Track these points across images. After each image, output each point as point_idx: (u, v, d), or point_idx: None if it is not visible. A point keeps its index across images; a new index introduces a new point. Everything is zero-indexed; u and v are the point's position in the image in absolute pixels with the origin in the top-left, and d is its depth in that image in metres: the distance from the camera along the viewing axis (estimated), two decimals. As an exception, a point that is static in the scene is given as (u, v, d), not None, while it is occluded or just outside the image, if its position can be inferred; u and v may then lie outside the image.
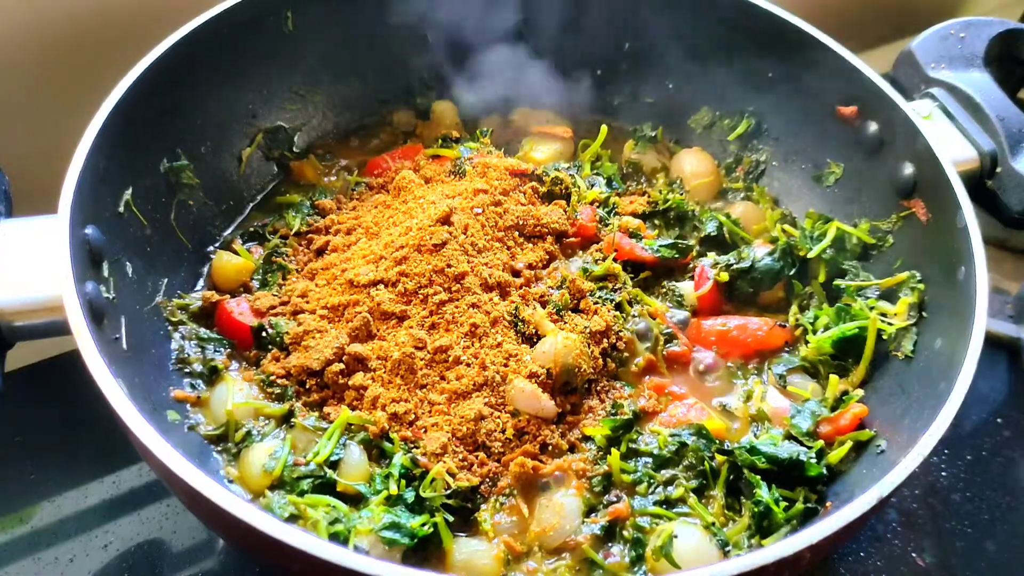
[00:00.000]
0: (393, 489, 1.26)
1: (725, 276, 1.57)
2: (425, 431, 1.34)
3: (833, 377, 1.46)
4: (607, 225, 1.64)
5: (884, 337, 1.45)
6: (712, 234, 1.66)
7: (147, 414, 1.10)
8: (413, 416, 1.35)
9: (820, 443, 1.38)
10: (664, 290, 1.60)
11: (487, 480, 1.32)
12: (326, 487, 1.28)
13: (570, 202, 1.65)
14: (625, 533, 1.29)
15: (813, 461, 1.34)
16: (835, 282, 1.57)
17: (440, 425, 1.34)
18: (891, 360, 1.45)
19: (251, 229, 1.64)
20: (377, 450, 1.33)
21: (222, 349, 1.46)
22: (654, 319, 1.52)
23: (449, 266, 1.44)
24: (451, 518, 1.26)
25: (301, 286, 1.51)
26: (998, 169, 1.54)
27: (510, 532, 1.28)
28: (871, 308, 1.49)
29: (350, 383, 1.38)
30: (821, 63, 1.62)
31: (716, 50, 1.74)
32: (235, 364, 1.46)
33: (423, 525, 1.22)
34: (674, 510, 1.32)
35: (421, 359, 1.38)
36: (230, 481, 1.31)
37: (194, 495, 1.03)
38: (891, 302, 1.49)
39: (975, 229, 1.36)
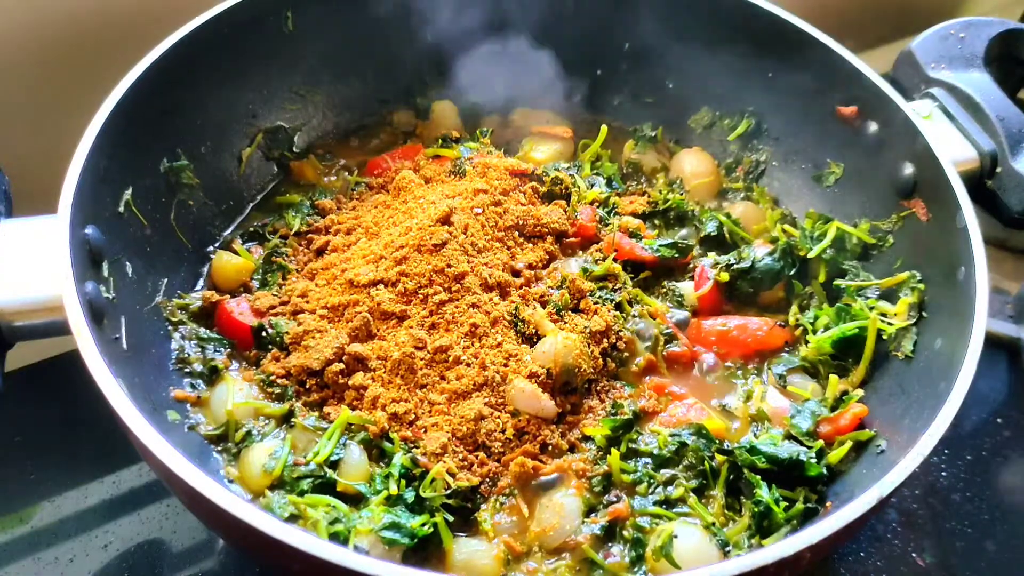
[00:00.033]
0: (393, 489, 1.26)
1: (725, 276, 1.57)
2: (425, 431, 1.34)
3: (833, 377, 1.46)
4: (607, 225, 1.64)
5: (884, 337, 1.46)
6: (712, 234, 1.66)
7: (147, 414, 1.09)
8: (413, 416, 1.35)
9: (820, 443, 1.38)
10: (664, 290, 1.60)
11: (487, 480, 1.32)
12: (326, 487, 1.28)
13: (570, 202, 1.65)
14: (625, 533, 1.29)
15: (813, 461, 1.34)
16: (835, 282, 1.57)
17: (440, 425, 1.34)
18: (891, 360, 1.45)
19: (251, 229, 1.64)
20: (377, 450, 1.33)
21: (222, 349, 1.46)
22: (654, 319, 1.52)
23: (449, 266, 1.44)
24: (451, 518, 1.26)
25: (301, 286, 1.51)
26: (998, 169, 1.54)
27: (510, 532, 1.28)
28: (871, 308, 1.49)
29: (350, 383, 1.38)
30: (821, 63, 1.62)
31: (716, 50, 1.73)
32: (235, 364, 1.46)
33: (423, 525, 1.22)
34: (674, 510, 1.32)
35: (421, 359, 1.38)
36: (230, 481, 1.31)
37: (194, 495, 1.03)
38: (891, 302, 1.49)
39: (975, 229, 1.36)
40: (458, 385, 1.36)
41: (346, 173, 1.77)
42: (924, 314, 1.45)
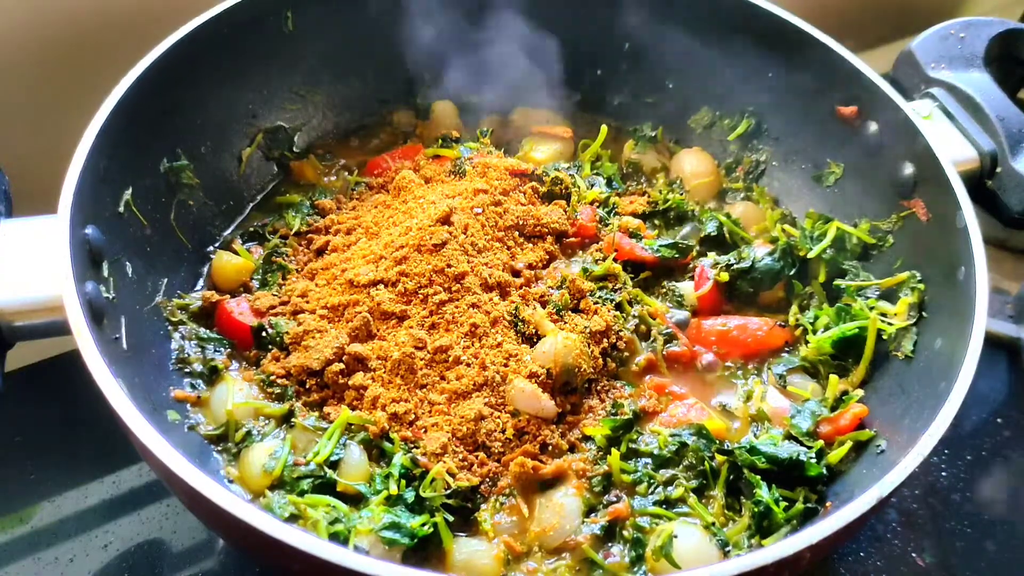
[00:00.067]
0: (393, 489, 1.26)
1: (725, 276, 1.57)
2: (425, 431, 1.34)
3: (833, 377, 1.46)
4: (607, 225, 1.64)
5: (884, 337, 1.46)
6: (712, 234, 1.66)
7: (147, 414, 1.09)
8: (413, 416, 1.35)
9: (820, 443, 1.38)
10: (664, 290, 1.60)
11: (487, 480, 1.32)
12: (326, 487, 1.28)
13: (570, 202, 1.65)
14: (625, 533, 1.29)
15: (813, 461, 1.34)
16: (835, 282, 1.57)
17: (440, 425, 1.34)
18: (891, 360, 1.45)
19: (251, 229, 1.64)
20: (377, 450, 1.33)
21: (222, 349, 1.46)
22: (654, 319, 1.52)
23: (449, 266, 1.44)
24: (451, 518, 1.26)
25: (301, 286, 1.51)
26: (998, 169, 1.54)
27: (510, 532, 1.28)
28: (871, 308, 1.49)
29: (350, 383, 1.38)
30: (821, 63, 1.62)
31: (716, 50, 1.74)
32: (235, 364, 1.46)
33: (423, 525, 1.22)
34: (674, 510, 1.32)
35: (421, 359, 1.38)
36: (230, 481, 1.31)
37: (194, 495, 1.03)
38: (891, 302, 1.49)
39: (975, 229, 1.36)
40: (458, 385, 1.36)
41: (346, 173, 1.77)
42: (924, 314, 1.45)
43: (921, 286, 1.47)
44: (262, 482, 1.29)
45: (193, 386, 1.41)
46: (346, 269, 1.50)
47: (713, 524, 1.30)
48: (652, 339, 1.51)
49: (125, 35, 1.57)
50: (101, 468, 1.48)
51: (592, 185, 1.71)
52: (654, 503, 1.32)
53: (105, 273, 1.32)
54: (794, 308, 1.58)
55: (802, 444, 1.38)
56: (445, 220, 1.49)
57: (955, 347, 1.28)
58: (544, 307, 1.48)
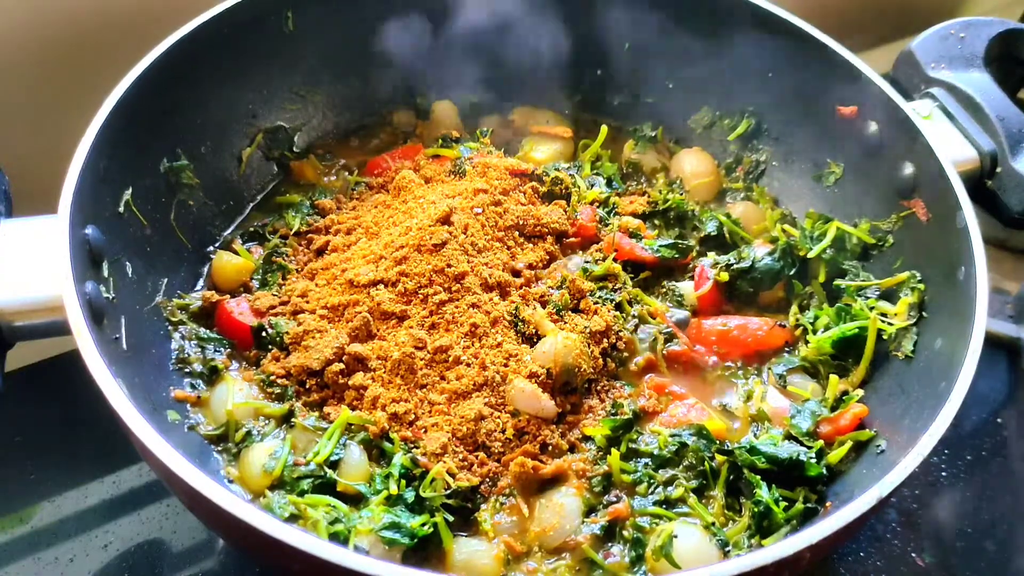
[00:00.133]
0: (393, 489, 1.26)
1: (725, 276, 1.57)
2: (425, 431, 1.34)
3: (833, 377, 1.46)
4: (607, 225, 1.64)
5: (884, 337, 1.46)
6: (712, 234, 1.66)
7: (147, 414, 1.09)
8: (413, 416, 1.35)
9: (820, 443, 1.38)
10: (664, 290, 1.60)
11: (487, 480, 1.32)
12: (326, 487, 1.28)
13: (570, 202, 1.65)
14: (625, 533, 1.29)
15: (813, 461, 1.34)
16: (835, 282, 1.57)
17: (440, 425, 1.34)
18: (891, 360, 1.45)
19: (251, 229, 1.64)
20: (377, 450, 1.33)
21: (222, 349, 1.46)
22: (654, 319, 1.52)
23: (449, 266, 1.44)
24: (451, 518, 1.26)
25: (301, 286, 1.51)
26: (998, 169, 1.54)
27: (510, 532, 1.28)
28: (871, 308, 1.49)
29: (350, 383, 1.38)
30: (821, 63, 1.62)
31: (716, 50, 1.73)
32: (235, 364, 1.46)
33: (423, 525, 1.22)
34: (674, 510, 1.32)
35: (421, 359, 1.38)
36: (230, 481, 1.31)
37: (194, 495, 1.03)
38: (891, 302, 1.49)
39: (975, 229, 1.36)
40: (458, 385, 1.36)
41: (346, 173, 1.77)
42: (924, 314, 1.45)
43: (921, 286, 1.47)
44: (262, 482, 1.29)
45: (193, 386, 1.41)
46: (346, 269, 1.50)
47: (713, 524, 1.30)
48: (653, 339, 1.50)
49: (125, 35, 1.57)
50: (101, 468, 1.48)
51: (592, 185, 1.71)
52: (654, 503, 1.32)
53: (105, 273, 1.32)
54: (794, 308, 1.58)
55: (802, 444, 1.38)
56: (445, 220, 1.49)
57: (955, 347, 1.28)
58: (544, 307, 1.48)
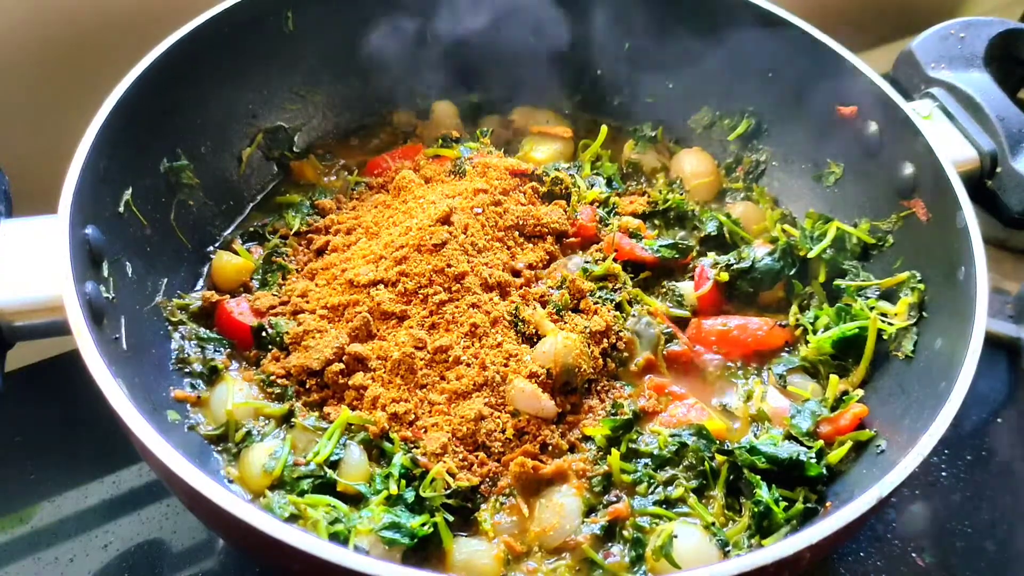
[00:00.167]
0: (393, 489, 1.26)
1: (725, 276, 1.57)
2: (425, 431, 1.34)
3: (833, 377, 1.46)
4: (607, 225, 1.64)
5: (884, 337, 1.46)
6: (712, 234, 1.66)
7: (147, 414, 1.10)
8: (413, 416, 1.35)
9: (820, 443, 1.38)
10: (664, 290, 1.60)
11: (487, 480, 1.32)
12: (326, 487, 1.28)
13: (570, 202, 1.65)
14: (625, 533, 1.29)
15: (813, 461, 1.34)
16: (835, 282, 1.57)
17: (440, 425, 1.34)
18: (891, 360, 1.45)
19: (251, 229, 1.64)
20: (377, 450, 1.33)
21: (222, 349, 1.46)
22: (654, 319, 1.52)
23: (449, 266, 1.44)
24: (451, 518, 1.26)
25: (301, 286, 1.51)
26: (998, 169, 1.54)
27: (510, 532, 1.28)
28: (871, 308, 1.49)
29: (350, 383, 1.38)
30: (821, 63, 1.62)
31: (716, 50, 1.73)
32: (235, 364, 1.46)
33: (423, 525, 1.22)
34: (674, 510, 1.32)
35: (421, 359, 1.38)
36: (230, 481, 1.31)
37: (194, 495, 1.03)
38: (891, 302, 1.49)
39: (975, 229, 1.36)
40: (458, 385, 1.36)
41: (346, 173, 1.77)
42: (924, 314, 1.45)
43: (921, 286, 1.46)
44: (262, 482, 1.29)
45: (193, 386, 1.41)
46: (346, 269, 1.50)
47: (713, 524, 1.30)
48: (652, 339, 1.50)
49: (125, 35, 1.57)
50: (101, 468, 1.48)
51: (592, 185, 1.71)
52: (654, 503, 1.32)
53: (105, 273, 1.32)
54: (794, 308, 1.58)
55: (802, 444, 1.38)
56: (445, 220, 1.49)
57: (955, 347, 1.28)
58: (544, 307, 1.48)
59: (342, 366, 1.39)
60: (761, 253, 1.60)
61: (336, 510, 1.24)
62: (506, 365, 1.38)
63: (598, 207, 1.67)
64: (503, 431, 1.34)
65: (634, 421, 1.40)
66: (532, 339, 1.44)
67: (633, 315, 1.52)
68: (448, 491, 1.27)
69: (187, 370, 1.43)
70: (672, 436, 1.38)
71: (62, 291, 1.16)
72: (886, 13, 2.35)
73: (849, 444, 1.37)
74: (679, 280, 1.61)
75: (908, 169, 1.52)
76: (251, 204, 1.70)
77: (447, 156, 1.70)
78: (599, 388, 1.45)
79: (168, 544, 1.42)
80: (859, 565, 1.47)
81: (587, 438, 1.38)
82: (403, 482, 1.27)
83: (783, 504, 1.29)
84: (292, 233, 1.61)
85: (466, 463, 1.31)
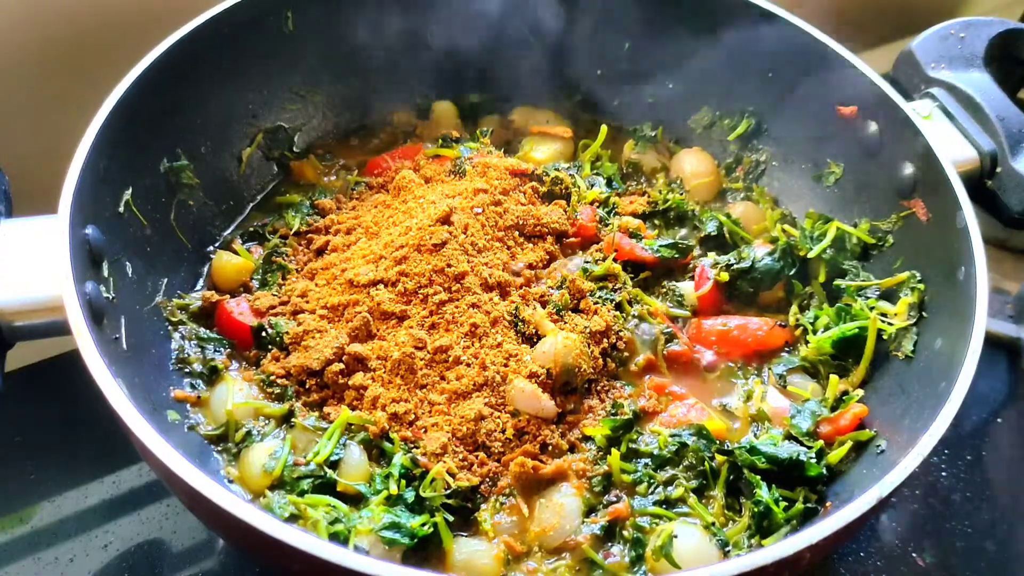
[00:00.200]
0: (393, 489, 1.26)
1: (725, 276, 1.57)
2: (425, 431, 1.34)
3: (833, 377, 1.46)
4: (607, 225, 1.64)
5: (884, 337, 1.45)
6: (712, 234, 1.66)
7: (147, 414, 1.09)
8: (413, 416, 1.35)
9: (820, 443, 1.38)
10: (664, 290, 1.60)
11: (487, 480, 1.32)
12: (326, 487, 1.28)
13: (570, 202, 1.65)
14: (625, 533, 1.29)
15: (813, 461, 1.34)
16: (835, 282, 1.57)
17: (440, 425, 1.34)
18: (891, 360, 1.45)
19: (251, 229, 1.64)
20: (377, 450, 1.33)
21: (222, 349, 1.46)
22: (654, 318, 1.52)
23: (449, 266, 1.44)
24: (451, 518, 1.26)
25: (301, 286, 1.51)
26: (998, 169, 1.54)
27: (510, 532, 1.28)
28: (871, 308, 1.49)
29: (350, 383, 1.38)
30: (821, 63, 1.62)
31: (716, 50, 1.73)
32: (235, 364, 1.46)
33: (423, 525, 1.22)
34: (674, 510, 1.32)
35: (421, 359, 1.38)
36: (230, 481, 1.31)
37: (194, 495, 1.03)
38: (891, 302, 1.49)
39: (975, 229, 1.36)
40: (458, 385, 1.36)
41: (346, 173, 1.77)
42: (924, 314, 1.45)
43: (921, 286, 1.46)
44: (262, 482, 1.29)
45: (193, 386, 1.41)
46: (346, 269, 1.50)
47: (713, 524, 1.30)
48: (653, 339, 1.50)
49: (125, 35, 1.57)
50: (101, 468, 1.48)
51: (592, 185, 1.71)
52: (654, 503, 1.33)
53: (105, 273, 1.32)
54: (794, 308, 1.58)
55: (802, 444, 1.38)
56: (445, 220, 1.49)
57: (955, 347, 1.28)
58: (544, 307, 1.48)
59: (342, 366, 1.39)
60: (761, 253, 1.60)
61: (336, 510, 1.24)
62: (506, 365, 1.38)
63: (598, 207, 1.67)
64: (503, 431, 1.34)
65: (634, 421, 1.40)
66: (532, 339, 1.44)
67: (633, 315, 1.52)
68: (448, 491, 1.27)
69: (187, 370, 1.43)
70: (672, 436, 1.38)
71: (62, 291, 1.16)
72: (886, 13, 2.35)
73: (849, 444, 1.37)
74: (679, 280, 1.61)
75: (908, 169, 1.52)
76: (251, 204, 1.70)
77: (447, 156, 1.70)
78: (599, 388, 1.45)
79: (168, 544, 1.42)
80: (859, 565, 1.47)
81: (587, 438, 1.38)
82: (403, 482, 1.27)
83: (783, 504, 1.29)
84: (292, 233, 1.61)
85: (466, 463, 1.31)
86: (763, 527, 1.29)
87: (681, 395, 1.46)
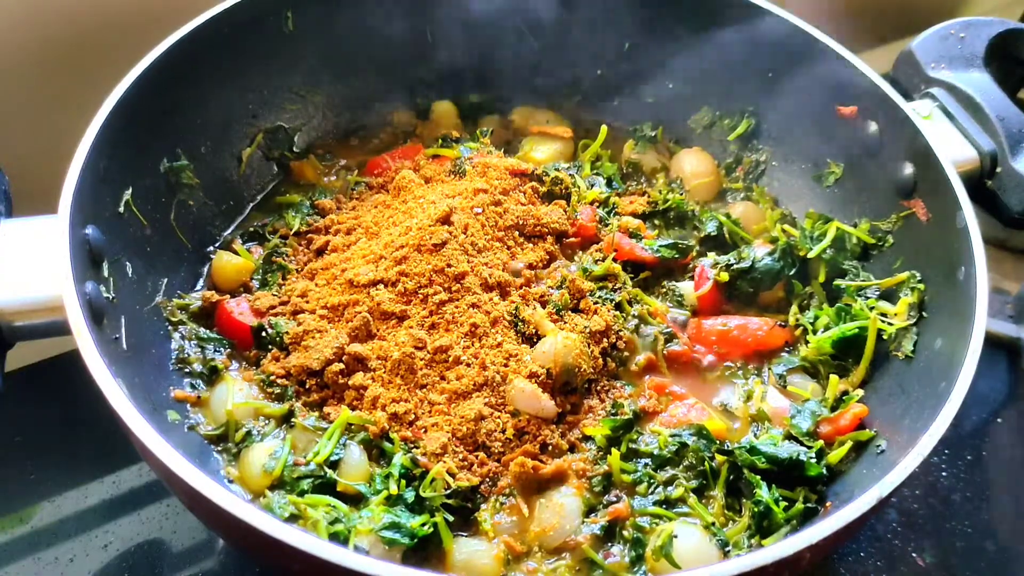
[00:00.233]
0: (393, 489, 1.26)
1: (725, 276, 1.57)
2: (425, 431, 1.34)
3: (833, 377, 1.46)
4: (607, 225, 1.64)
5: (884, 337, 1.45)
6: (712, 234, 1.66)
7: (147, 414, 1.10)
8: (413, 416, 1.35)
9: (820, 443, 1.38)
10: (664, 290, 1.60)
11: (487, 480, 1.32)
12: (326, 487, 1.28)
13: (570, 202, 1.65)
14: (625, 533, 1.29)
15: (813, 461, 1.34)
16: (835, 282, 1.57)
17: (440, 425, 1.34)
18: (891, 360, 1.45)
19: (251, 229, 1.64)
20: (377, 450, 1.33)
21: (222, 349, 1.46)
22: (654, 318, 1.52)
23: (449, 266, 1.44)
24: (451, 518, 1.26)
25: (301, 286, 1.51)
26: (998, 169, 1.54)
27: (510, 532, 1.28)
28: (871, 308, 1.49)
29: (350, 383, 1.38)
30: (821, 63, 1.62)
31: (716, 50, 1.73)
32: (235, 364, 1.46)
33: (423, 525, 1.22)
34: (674, 510, 1.32)
35: (421, 359, 1.38)
36: (230, 481, 1.31)
37: (194, 495, 1.03)
38: (891, 302, 1.49)
39: (975, 229, 1.36)
40: (458, 385, 1.36)
41: (346, 173, 1.77)
42: (924, 314, 1.45)
43: (921, 286, 1.46)
44: (262, 482, 1.29)
45: (193, 386, 1.41)
46: (346, 269, 1.50)
47: (713, 524, 1.30)
48: (653, 339, 1.50)
49: (125, 35, 1.57)
50: (101, 468, 1.48)
51: (592, 185, 1.71)
52: (654, 503, 1.32)
53: (105, 273, 1.32)
54: (794, 308, 1.58)
55: (802, 444, 1.38)
56: (445, 220, 1.49)
57: (955, 347, 1.28)
58: (544, 307, 1.48)
59: (342, 366, 1.39)
60: (761, 253, 1.60)
61: (336, 510, 1.24)
62: (506, 365, 1.38)
63: (598, 207, 1.67)
64: (503, 431, 1.34)
65: (634, 421, 1.40)
66: (532, 339, 1.44)
67: (633, 314, 1.52)
68: (448, 491, 1.27)
69: (187, 370, 1.43)
70: (672, 436, 1.38)
71: (62, 291, 1.16)
72: (886, 13, 2.35)
73: (849, 444, 1.37)
74: (679, 280, 1.61)
75: (908, 169, 1.52)
76: (251, 204, 1.70)
77: (447, 156, 1.70)
78: (599, 388, 1.45)
79: (168, 544, 1.42)
80: (859, 565, 1.47)
81: (587, 438, 1.38)
82: (403, 482, 1.27)
83: (783, 504, 1.29)
84: (292, 233, 1.61)
85: (466, 463, 1.31)
86: (763, 527, 1.29)
87: (681, 395, 1.46)
